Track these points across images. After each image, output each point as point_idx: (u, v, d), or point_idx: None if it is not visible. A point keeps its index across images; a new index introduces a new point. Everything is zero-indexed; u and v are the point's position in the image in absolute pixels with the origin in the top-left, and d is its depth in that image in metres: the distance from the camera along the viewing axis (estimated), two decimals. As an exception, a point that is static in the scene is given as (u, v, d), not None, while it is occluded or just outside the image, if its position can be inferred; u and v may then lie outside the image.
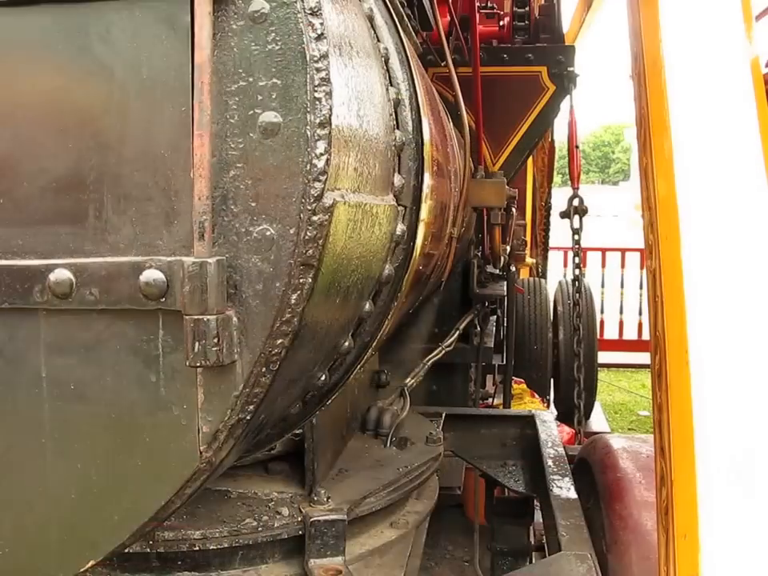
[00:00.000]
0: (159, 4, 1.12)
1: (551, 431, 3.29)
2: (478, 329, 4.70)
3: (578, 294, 5.32)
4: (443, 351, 3.59)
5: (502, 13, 5.39)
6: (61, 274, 1.17)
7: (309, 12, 1.08)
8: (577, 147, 5.19)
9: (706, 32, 1.98)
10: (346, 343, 1.70)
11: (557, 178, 14.12)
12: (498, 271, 5.10)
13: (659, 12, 1.94)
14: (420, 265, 2.04)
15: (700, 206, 1.71)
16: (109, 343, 1.18)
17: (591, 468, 2.77)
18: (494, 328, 5.50)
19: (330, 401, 1.87)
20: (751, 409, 1.48)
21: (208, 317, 1.07)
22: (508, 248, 4.87)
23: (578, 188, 5.00)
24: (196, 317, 1.07)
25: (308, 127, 1.07)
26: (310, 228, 1.09)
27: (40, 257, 1.19)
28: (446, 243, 2.83)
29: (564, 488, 2.70)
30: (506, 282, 5.07)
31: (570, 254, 5.71)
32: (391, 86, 1.71)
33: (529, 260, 8.33)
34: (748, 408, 1.48)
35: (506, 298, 5.04)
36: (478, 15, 5.02)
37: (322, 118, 1.08)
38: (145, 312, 1.15)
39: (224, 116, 1.10)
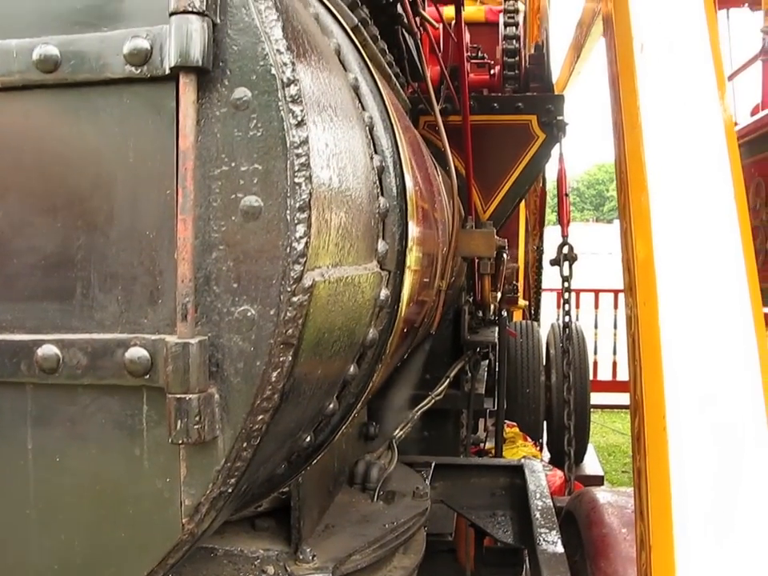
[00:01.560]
0: (146, 91, 1.16)
1: (540, 482, 3.30)
2: (469, 375, 4.72)
3: (568, 342, 5.35)
4: (433, 401, 3.61)
5: (492, 62, 5.47)
6: (48, 350, 1.20)
7: (290, 100, 1.12)
8: (566, 195, 5.25)
9: (681, 94, 2.03)
10: (331, 405, 1.73)
11: (551, 216, 14.21)
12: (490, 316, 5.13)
13: (636, 75, 1.99)
14: (405, 326, 2.07)
15: (677, 271, 1.74)
16: (94, 417, 1.21)
17: (577, 522, 2.78)
18: (486, 372, 5.52)
19: (315, 461, 1.89)
20: (729, 477, 1.50)
21: (190, 396, 1.10)
22: (499, 295, 4.90)
23: (567, 235, 5.05)
24: (179, 395, 1.10)
25: (288, 211, 1.11)
26: (290, 309, 1.12)
27: (28, 332, 1.22)
28: (435, 296, 2.87)
29: (551, 542, 2.71)
30: (497, 328, 5.10)
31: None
32: (375, 153, 1.76)
33: (521, 302, 8.36)
34: (725, 476, 1.50)
35: (497, 343, 5.06)
36: (468, 65, 5.10)
37: (301, 203, 1.12)
38: (129, 388, 1.18)
39: (207, 199, 1.14)
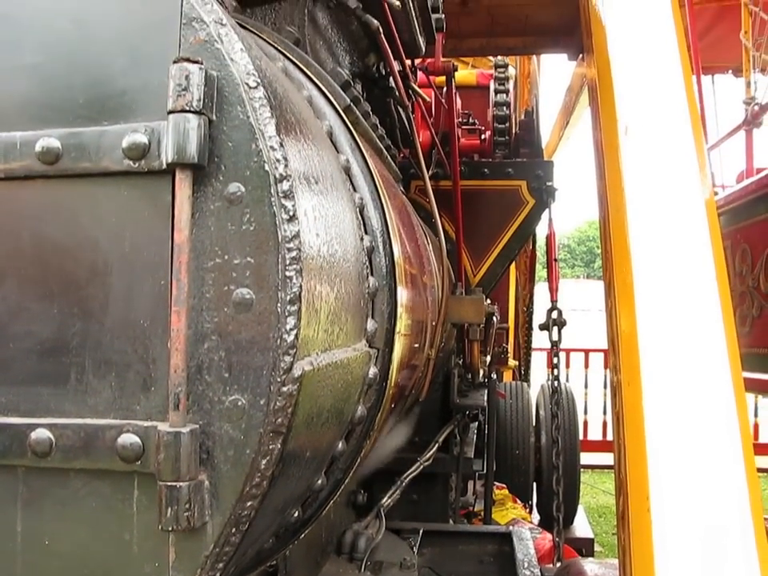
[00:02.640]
0: (143, 184, 1.20)
1: (528, 550, 3.30)
2: (458, 438, 4.73)
3: (557, 407, 5.37)
4: (421, 466, 3.62)
5: (482, 128, 5.56)
6: (41, 434, 1.22)
7: (282, 195, 1.16)
8: (555, 260, 5.31)
9: (664, 178, 2.09)
10: (319, 481, 1.74)
11: (542, 272, 14.29)
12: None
13: (620, 158, 2.05)
14: (394, 400, 2.10)
15: (661, 352, 1.78)
16: (85, 500, 1.23)
17: (565, 594, 2.78)
18: (476, 434, 5.52)
19: (303, 534, 1.90)
20: (712, 560, 1.52)
21: (181, 483, 1.12)
22: (488, 358, 4.93)
23: (556, 300, 5.10)
24: (169, 483, 1.12)
25: (279, 304, 1.14)
26: (280, 398, 1.15)
27: (22, 415, 1.24)
28: (424, 365, 2.89)
29: (539, 613, 2.71)
30: (486, 391, 5.12)
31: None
32: (366, 233, 1.80)
33: (511, 362, 8.38)
34: (709, 560, 1.52)
35: (486, 406, 5.08)
36: (459, 131, 5.19)
37: (292, 296, 1.15)
38: (121, 473, 1.19)
39: (200, 291, 1.17)
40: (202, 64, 1.16)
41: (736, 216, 5.30)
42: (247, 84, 1.19)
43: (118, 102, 1.23)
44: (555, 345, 5.09)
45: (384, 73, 3.01)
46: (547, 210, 5.16)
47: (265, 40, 1.99)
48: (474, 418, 5.58)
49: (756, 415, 10.91)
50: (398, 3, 2.31)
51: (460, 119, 5.36)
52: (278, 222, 1.15)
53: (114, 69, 1.24)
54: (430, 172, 4.62)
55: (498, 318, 5.28)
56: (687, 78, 2.34)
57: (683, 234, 2.00)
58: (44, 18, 1.28)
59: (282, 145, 1.19)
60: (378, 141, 2.60)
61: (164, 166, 1.17)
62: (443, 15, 3.00)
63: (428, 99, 3.56)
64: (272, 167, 1.16)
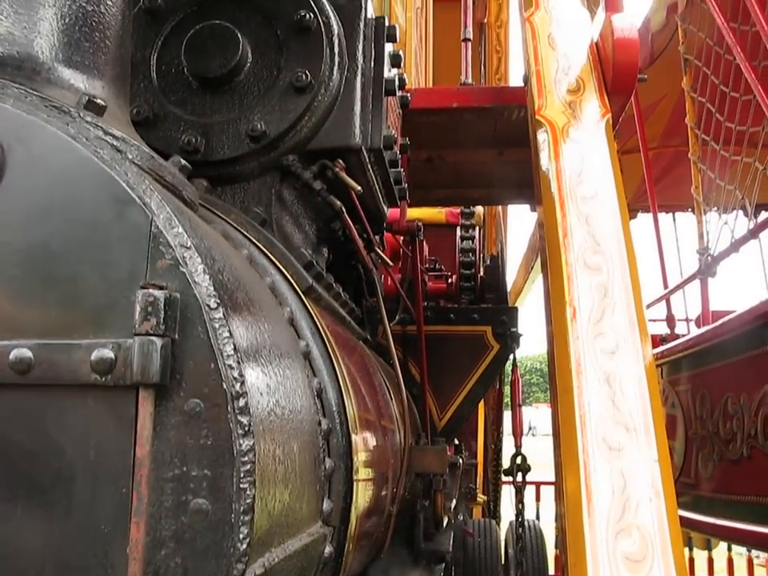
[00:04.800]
0: (108, 397, 1.28)
1: None
2: (424, 584, 4.68)
3: (522, 554, 5.36)
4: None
5: (449, 273, 5.72)
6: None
7: (238, 411, 1.25)
8: (519, 406, 5.39)
9: (608, 353, 2.21)
10: None
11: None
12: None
13: (568, 340, 2.18)
14: (351, 569, 2.14)
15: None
16: None
17: None
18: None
19: None
20: None
21: None
22: (453, 503, 4.94)
23: (520, 446, 5.16)
24: None
25: (233, 515, 1.22)
26: (232, 604, 1.21)
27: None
28: (384, 524, 2.93)
29: None
30: (452, 533, 5.10)
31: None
32: (324, 416, 1.88)
33: (480, 498, 8.35)
34: None
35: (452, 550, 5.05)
36: (426, 278, 5.34)
37: (245, 506, 1.23)
38: None
39: (159, 499, 1.24)
40: (166, 289, 1.26)
41: (695, 361, 5.45)
42: (208, 305, 1.29)
43: (88, 317, 1.32)
44: (519, 491, 5.12)
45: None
46: (512, 355, 5.27)
47: (232, 225, 2.12)
48: (441, 560, 5.53)
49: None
50: (359, 189, 2.46)
51: (427, 265, 5.52)
52: (233, 438, 1.24)
53: (86, 285, 1.34)
54: (397, 317, 4.74)
55: (464, 462, 5.32)
56: (626, 229, 2.50)
57: (625, 406, 2.11)
58: (20, 233, 1.38)
59: (239, 362, 1.29)
60: (340, 309, 2.72)
61: (128, 383, 1.25)
62: (406, 185, 3.16)
63: (391, 264, 3.71)
64: (229, 385, 1.25)
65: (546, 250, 2.62)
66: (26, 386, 1.32)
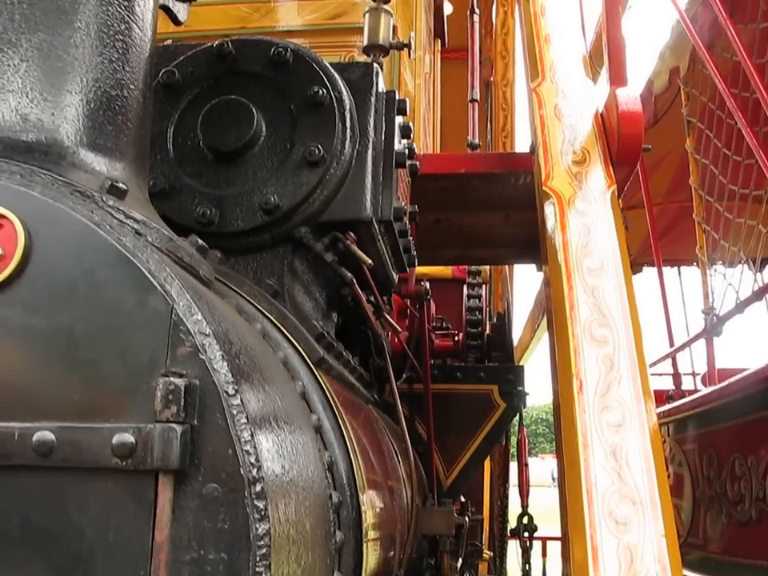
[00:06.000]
0: (128, 480, 1.31)
1: None
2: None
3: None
4: None
5: (456, 331, 5.76)
6: None
7: (255, 497, 1.29)
8: (526, 465, 5.40)
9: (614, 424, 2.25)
10: None
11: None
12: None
13: (575, 415, 2.21)
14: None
15: None
16: None
17: None
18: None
19: None
20: None
21: None
22: (459, 562, 4.92)
23: (527, 505, 5.16)
24: None
25: (248, 598, 1.25)
26: None
27: None
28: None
29: None
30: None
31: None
32: (335, 489, 1.92)
33: (486, 554, 8.29)
34: None
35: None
36: (434, 336, 5.38)
37: (260, 590, 1.26)
38: None
39: None
40: (186, 377, 1.30)
41: (701, 420, 5.45)
42: (226, 392, 1.33)
43: (109, 401, 1.36)
44: (526, 552, 5.11)
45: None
46: (518, 414, 5.29)
47: (245, 298, 2.17)
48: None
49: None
50: (370, 262, 2.51)
51: (434, 323, 5.56)
52: (250, 522, 1.27)
53: (108, 370, 1.38)
54: (405, 375, 4.78)
55: (470, 520, 5.31)
56: (631, 301, 2.55)
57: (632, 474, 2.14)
58: (45, 317, 1.43)
59: (256, 447, 1.33)
60: (349, 377, 2.76)
61: (148, 467, 1.29)
62: (415, 253, 3.22)
63: (399, 330, 3.76)
64: (246, 471, 1.29)
65: (554, 319, 2.66)
66: (47, 468, 1.36)
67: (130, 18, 1.93)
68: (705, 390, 5.60)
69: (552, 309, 2.81)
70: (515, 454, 7.94)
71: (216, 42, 2.64)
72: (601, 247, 2.69)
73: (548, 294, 3.13)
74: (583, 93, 3.47)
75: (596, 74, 4.92)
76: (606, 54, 3.48)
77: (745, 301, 5.12)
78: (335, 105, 2.54)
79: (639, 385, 2.25)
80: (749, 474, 4.63)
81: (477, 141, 6.10)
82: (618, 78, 3.30)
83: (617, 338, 2.38)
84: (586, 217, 2.82)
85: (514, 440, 9.48)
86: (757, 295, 5.01)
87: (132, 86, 1.92)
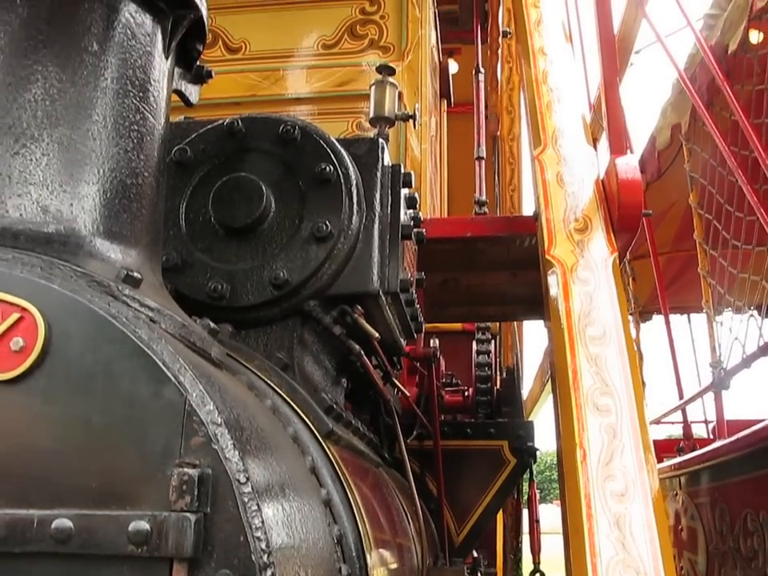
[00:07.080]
0: (143, 567, 1.36)
1: None
2: None
3: None
4: None
5: (466, 387, 5.80)
6: None
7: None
8: (537, 521, 5.40)
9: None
10: None
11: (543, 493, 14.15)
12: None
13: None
14: None
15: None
16: None
17: None
18: None
19: None
20: None
21: None
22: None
23: (539, 562, 5.15)
24: None
25: None
26: None
27: None
28: None
29: None
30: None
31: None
32: (344, 562, 1.96)
33: (501, 606, 8.24)
34: None
35: None
36: (443, 392, 5.42)
37: None
38: None
39: None
40: (199, 467, 1.36)
41: (712, 474, 5.46)
42: (238, 480, 1.39)
43: (125, 489, 1.42)
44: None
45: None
46: (528, 469, 5.31)
47: (255, 374, 2.23)
48: None
49: None
50: (377, 335, 2.58)
51: (443, 380, 5.60)
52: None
53: (124, 459, 1.44)
54: (415, 433, 4.82)
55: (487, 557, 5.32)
56: (633, 369, 2.61)
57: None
58: (63, 407, 1.49)
59: (266, 532, 1.38)
60: (358, 444, 2.81)
61: (163, 555, 1.35)
62: (422, 319, 3.29)
63: (408, 395, 3.81)
64: (258, 557, 1.34)
65: (557, 386, 2.72)
66: (65, 555, 1.41)
67: (144, 108, 2.02)
68: (715, 444, 5.62)
69: (555, 374, 2.87)
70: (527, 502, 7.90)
71: (226, 120, 2.73)
72: (603, 315, 2.76)
73: (552, 349, 3.18)
74: (584, 160, 3.55)
75: (599, 129, 5.02)
76: (605, 123, 3.57)
77: (751, 356, 5.16)
78: (342, 181, 2.62)
79: (642, 453, 2.29)
80: (762, 530, 4.63)
81: (484, 197, 6.19)
82: (617, 146, 3.39)
83: (619, 406, 2.43)
84: (588, 285, 2.88)
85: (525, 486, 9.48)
86: (762, 350, 5.04)
87: (146, 173, 2.00)
